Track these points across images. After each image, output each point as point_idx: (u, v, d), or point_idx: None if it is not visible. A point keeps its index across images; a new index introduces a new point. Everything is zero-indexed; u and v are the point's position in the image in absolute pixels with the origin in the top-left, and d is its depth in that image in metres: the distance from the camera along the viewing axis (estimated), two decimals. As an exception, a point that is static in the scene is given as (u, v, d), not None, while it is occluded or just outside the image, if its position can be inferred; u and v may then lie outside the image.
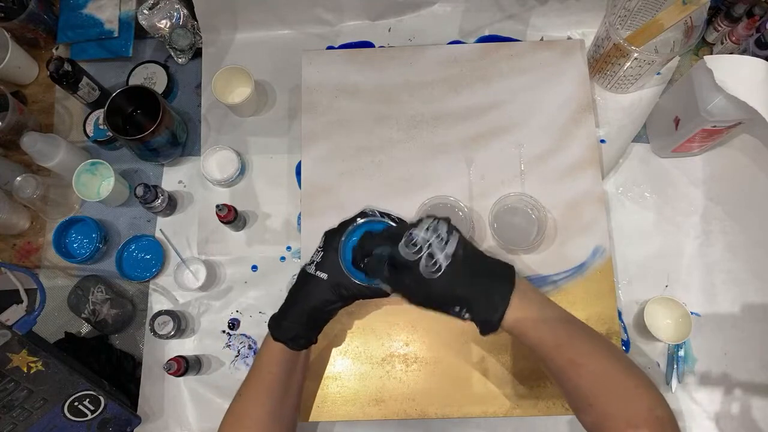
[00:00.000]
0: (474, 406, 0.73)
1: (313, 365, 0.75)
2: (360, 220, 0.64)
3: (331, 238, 0.64)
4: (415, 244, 0.55)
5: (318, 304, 0.62)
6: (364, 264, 0.59)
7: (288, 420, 0.66)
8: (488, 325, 0.55)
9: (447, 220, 0.57)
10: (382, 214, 0.64)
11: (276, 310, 0.65)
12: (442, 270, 0.54)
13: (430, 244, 0.55)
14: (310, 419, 0.74)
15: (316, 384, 0.75)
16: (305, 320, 0.63)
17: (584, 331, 0.57)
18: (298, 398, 0.68)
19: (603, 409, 0.53)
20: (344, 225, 0.65)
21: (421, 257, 0.54)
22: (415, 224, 0.57)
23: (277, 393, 0.63)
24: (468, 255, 0.57)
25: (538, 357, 0.57)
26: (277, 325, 0.63)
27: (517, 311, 0.55)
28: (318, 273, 0.62)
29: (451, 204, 0.78)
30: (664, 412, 0.52)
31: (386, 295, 0.63)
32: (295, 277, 0.82)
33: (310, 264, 0.64)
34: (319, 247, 0.65)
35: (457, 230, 0.58)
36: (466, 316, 0.56)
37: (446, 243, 0.55)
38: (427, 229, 0.56)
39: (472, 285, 0.55)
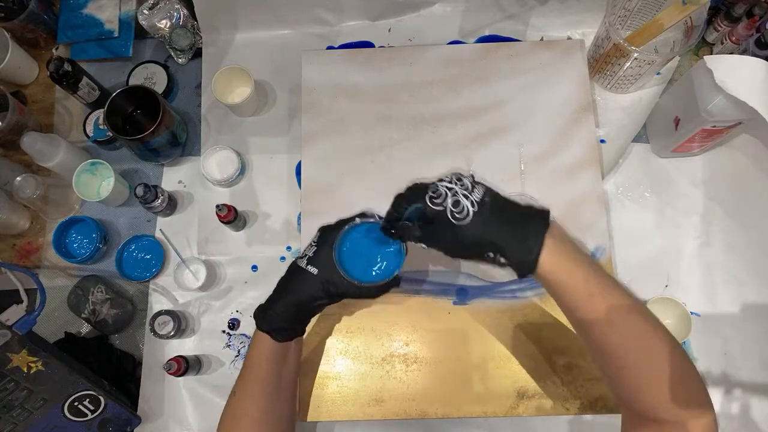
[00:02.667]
0: (474, 406, 0.73)
1: (309, 363, 0.75)
2: (359, 221, 0.64)
3: (327, 234, 0.64)
4: (439, 195, 0.55)
5: (304, 299, 0.62)
6: (396, 230, 0.59)
7: (285, 415, 0.65)
8: (524, 265, 0.54)
9: (471, 174, 0.57)
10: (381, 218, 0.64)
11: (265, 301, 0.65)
12: (470, 215, 0.54)
13: (455, 192, 0.55)
14: (309, 419, 0.74)
15: (313, 382, 0.75)
16: (290, 313, 0.62)
17: (617, 285, 0.55)
18: (293, 393, 0.68)
19: (635, 374, 0.52)
20: (342, 223, 0.64)
21: (446, 206, 0.54)
22: (440, 180, 0.57)
23: (270, 388, 0.63)
24: (497, 201, 0.56)
25: (568, 308, 0.55)
26: (263, 314, 0.63)
27: (552, 253, 0.53)
28: (309, 267, 0.62)
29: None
30: (695, 385, 0.51)
31: (372, 297, 0.63)
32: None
33: (302, 257, 0.63)
34: (313, 242, 0.64)
35: (484, 182, 0.57)
36: (502, 260, 0.55)
37: (472, 191, 0.56)
38: (450, 180, 0.56)
39: (504, 228, 0.55)
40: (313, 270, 0.61)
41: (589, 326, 0.54)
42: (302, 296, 0.62)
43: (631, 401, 0.53)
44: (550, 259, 0.53)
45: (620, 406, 0.56)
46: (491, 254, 0.55)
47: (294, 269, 0.64)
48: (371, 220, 0.64)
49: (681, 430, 0.50)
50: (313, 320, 0.67)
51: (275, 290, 0.64)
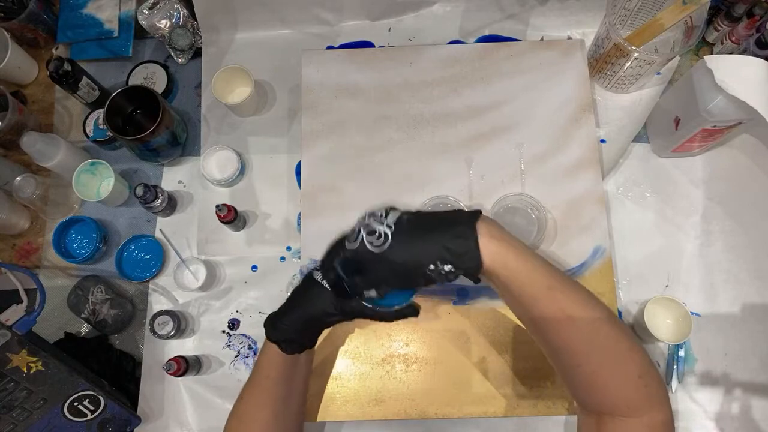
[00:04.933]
0: (474, 406, 0.73)
1: (318, 365, 0.75)
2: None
3: (335, 252, 0.58)
4: (352, 234, 0.53)
5: (317, 314, 0.60)
6: (335, 288, 0.56)
7: (292, 419, 0.65)
8: (468, 259, 0.50)
9: (385, 206, 0.55)
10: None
11: (276, 309, 0.64)
12: (389, 238, 0.51)
13: (366, 224, 0.52)
14: (310, 420, 0.74)
15: (321, 385, 0.75)
16: (301, 326, 0.61)
17: (571, 279, 0.53)
18: (303, 399, 0.68)
19: (592, 371, 0.51)
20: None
21: (361, 238, 0.52)
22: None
23: (279, 396, 0.63)
24: (417, 215, 0.53)
25: (525, 303, 0.52)
26: (274, 325, 0.62)
27: (499, 248, 0.50)
28: (325, 282, 0.59)
29: (451, 204, 0.78)
30: (653, 381, 0.50)
31: (389, 321, 0.59)
32: (296, 276, 0.82)
33: (317, 270, 0.60)
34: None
35: (398, 210, 0.55)
36: (446, 267, 0.51)
37: (386, 216, 0.53)
38: (362, 217, 0.54)
39: (432, 233, 0.51)
40: (327, 284, 0.58)
41: (548, 322, 0.52)
42: (315, 311, 0.60)
43: (589, 398, 0.52)
44: (498, 254, 0.50)
45: (576, 404, 0.54)
46: (432, 266, 0.51)
47: (309, 282, 0.61)
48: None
49: (638, 425, 0.49)
50: (326, 331, 0.64)
51: (288, 301, 0.62)
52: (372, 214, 0.53)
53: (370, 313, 0.58)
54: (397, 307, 0.58)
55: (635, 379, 0.50)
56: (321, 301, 0.59)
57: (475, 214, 0.53)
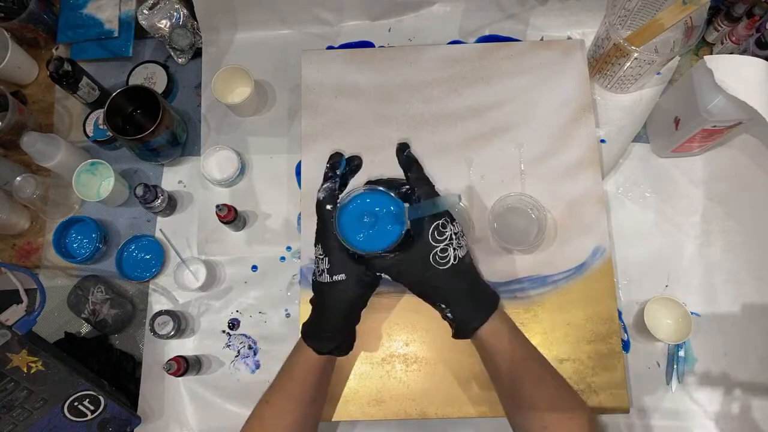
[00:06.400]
0: (474, 406, 0.73)
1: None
2: (340, 203, 0.65)
3: (325, 239, 0.65)
4: (442, 233, 0.61)
5: (350, 305, 0.64)
6: (410, 175, 0.70)
7: (313, 422, 0.67)
8: (465, 329, 0.62)
9: (464, 224, 0.65)
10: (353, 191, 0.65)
11: (307, 321, 0.67)
12: (449, 265, 0.60)
13: (450, 239, 0.61)
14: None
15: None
16: (343, 325, 0.65)
17: (542, 357, 0.66)
18: (324, 402, 0.70)
19: (541, 417, 0.60)
20: (325, 222, 0.67)
21: (438, 247, 0.61)
22: (446, 199, 0.63)
23: (309, 401, 0.65)
24: (472, 266, 0.65)
25: (506, 369, 0.62)
26: (319, 340, 0.64)
27: (495, 326, 0.62)
28: (336, 277, 0.63)
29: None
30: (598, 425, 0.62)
31: (403, 250, 0.63)
32: (296, 277, 0.83)
33: (321, 275, 0.64)
34: (319, 255, 0.65)
35: (466, 241, 0.66)
36: (449, 315, 0.63)
37: (460, 246, 0.62)
38: (456, 233, 0.63)
39: (466, 292, 0.62)
40: (341, 276, 0.63)
41: (518, 383, 0.62)
42: (348, 304, 0.64)
43: None
44: (492, 330, 0.62)
45: None
46: (442, 306, 0.63)
47: (324, 288, 0.64)
48: (348, 198, 0.64)
49: None
50: None
51: (318, 314, 0.65)
52: (460, 235, 0.64)
53: (389, 261, 0.64)
54: (401, 236, 0.63)
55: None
56: (347, 293, 0.64)
57: (496, 303, 0.64)
